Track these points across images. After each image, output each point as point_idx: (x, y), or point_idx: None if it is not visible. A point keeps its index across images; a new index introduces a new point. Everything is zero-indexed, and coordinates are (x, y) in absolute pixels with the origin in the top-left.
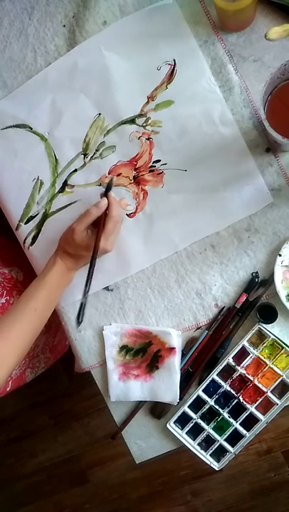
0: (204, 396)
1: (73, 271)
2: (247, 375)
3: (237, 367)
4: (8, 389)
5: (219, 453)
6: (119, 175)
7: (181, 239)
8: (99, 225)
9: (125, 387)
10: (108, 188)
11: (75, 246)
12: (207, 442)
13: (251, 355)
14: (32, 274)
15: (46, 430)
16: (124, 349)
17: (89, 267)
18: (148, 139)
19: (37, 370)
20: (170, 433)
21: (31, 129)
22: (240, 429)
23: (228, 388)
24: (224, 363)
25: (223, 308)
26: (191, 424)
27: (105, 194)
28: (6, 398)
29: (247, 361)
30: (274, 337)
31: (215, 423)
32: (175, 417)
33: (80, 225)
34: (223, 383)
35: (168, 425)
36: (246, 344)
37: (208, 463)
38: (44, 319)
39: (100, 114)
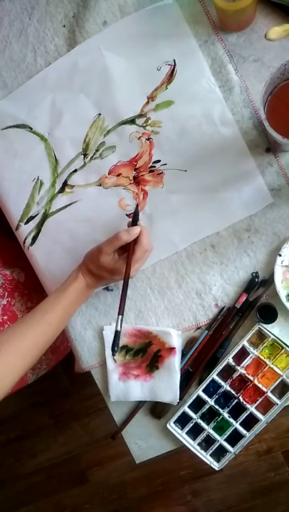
0: (204, 396)
1: (92, 289)
2: (247, 375)
3: (237, 367)
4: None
5: (219, 453)
6: (119, 175)
7: (181, 239)
8: (128, 252)
9: (125, 387)
10: (136, 215)
11: (99, 266)
12: (207, 442)
13: (251, 355)
14: (34, 275)
15: (46, 430)
16: (124, 349)
17: (121, 296)
18: (148, 139)
19: (38, 371)
20: (170, 433)
21: (31, 129)
22: (240, 429)
23: (228, 388)
24: (224, 363)
25: (223, 308)
26: (191, 424)
27: (135, 222)
28: (6, 398)
29: (247, 361)
30: (274, 337)
31: (215, 423)
32: (175, 417)
33: (108, 247)
34: (223, 383)
35: (168, 425)
36: (246, 344)
37: (208, 463)
38: (57, 333)
39: (99, 114)
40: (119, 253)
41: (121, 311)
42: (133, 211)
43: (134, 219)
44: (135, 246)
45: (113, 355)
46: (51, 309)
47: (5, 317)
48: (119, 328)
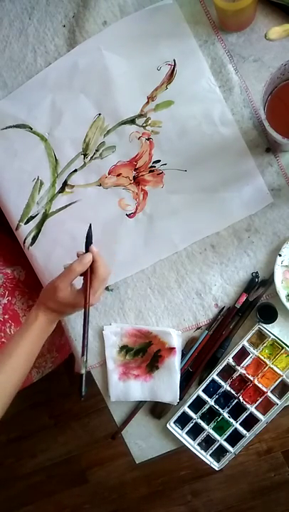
0: (204, 396)
1: (54, 322)
2: (247, 375)
3: (237, 367)
4: None
5: (219, 453)
6: (119, 175)
7: (181, 239)
8: (85, 283)
9: (125, 387)
10: (88, 239)
11: (58, 303)
12: (207, 442)
13: (251, 355)
14: (34, 273)
15: (46, 430)
16: (124, 349)
17: (82, 333)
18: (148, 139)
19: (44, 369)
20: (170, 433)
21: (31, 129)
22: (240, 429)
23: (228, 388)
24: (224, 363)
25: (223, 308)
26: (191, 424)
27: (87, 247)
28: None
29: (247, 361)
30: (274, 337)
31: (215, 423)
32: (175, 417)
33: (63, 282)
34: (223, 383)
35: (168, 425)
36: (246, 344)
37: (208, 463)
38: (24, 373)
39: (99, 114)
40: (75, 285)
41: (84, 351)
42: (86, 233)
43: (86, 244)
44: (92, 276)
45: (80, 399)
46: (13, 353)
47: (6, 316)
48: (83, 370)
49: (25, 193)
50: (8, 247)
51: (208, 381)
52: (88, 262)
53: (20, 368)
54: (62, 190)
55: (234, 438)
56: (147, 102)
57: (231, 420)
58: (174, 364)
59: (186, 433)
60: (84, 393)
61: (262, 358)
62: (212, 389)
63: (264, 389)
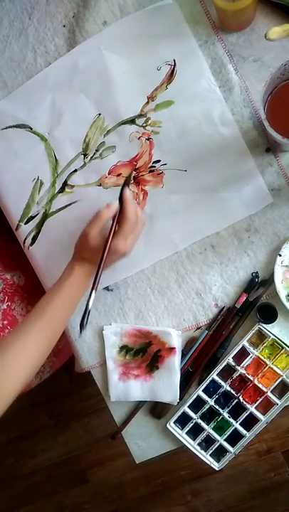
0: (204, 396)
1: (91, 275)
2: (247, 375)
3: (237, 367)
4: None
5: (219, 453)
6: (119, 175)
7: (181, 239)
8: (110, 227)
9: (125, 387)
10: (123, 186)
11: (90, 251)
12: (207, 442)
13: (251, 355)
14: (33, 278)
15: (46, 430)
16: (124, 349)
17: (97, 269)
18: (148, 139)
19: (42, 374)
20: (170, 433)
21: (31, 129)
22: (240, 429)
23: (228, 388)
24: (224, 363)
25: (223, 308)
26: (191, 424)
27: (121, 190)
28: None
29: (247, 361)
30: (274, 337)
31: (215, 423)
32: (175, 417)
33: (92, 229)
34: (223, 383)
35: (168, 425)
36: (246, 344)
37: (208, 463)
38: (61, 327)
39: (99, 114)
40: (107, 232)
41: (94, 287)
42: (124, 182)
43: (120, 191)
44: (121, 219)
45: (80, 331)
46: (50, 305)
47: (5, 322)
48: (90, 305)
49: (25, 193)
50: (8, 253)
51: (208, 381)
52: (115, 208)
53: (59, 318)
54: (62, 190)
55: (234, 438)
56: (147, 102)
57: (231, 420)
58: (174, 364)
59: (186, 433)
60: (85, 325)
61: (262, 358)
62: (212, 389)
63: (264, 389)
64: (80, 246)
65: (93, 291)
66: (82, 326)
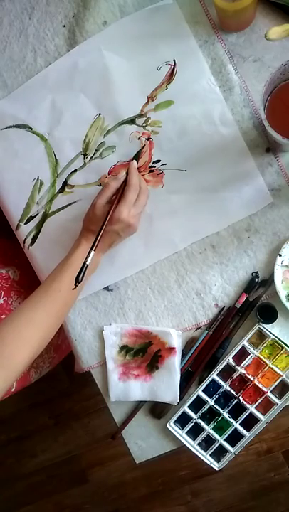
0: (204, 396)
1: (100, 252)
2: (247, 375)
3: (237, 367)
4: (12, 389)
5: (219, 453)
6: None
7: (181, 239)
8: (116, 193)
9: (125, 387)
10: (137, 154)
11: (97, 221)
12: (207, 442)
13: (251, 355)
14: (29, 274)
15: (46, 430)
16: (124, 349)
17: (98, 230)
18: (148, 139)
19: (42, 369)
20: (170, 433)
21: (31, 129)
22: (240, 429)
23: (228, 388)
24: (224, 363)
25: (223, 308)
26: (191, 424)
27: (133, 159)
28: (6, 398)
29: (247, 361)
30: (274, 337)
31: (215, 423)
32: (175, 417)
33: (100, 199)
34: (223, 383)
35: (168, 425)
36: (246, 344)
37: (208, 463)
38: (69, 302)
39: (99, 114)
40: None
41: (94, 247)
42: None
43: (133, 157)
44: (125, 188)
45: (75, 285)
46: (58, 278)
47: (3, 316)
48: (88, 261)
49: (25, 193)
50: (2, 249)
51: (208, 381)
52: (122, 177)
53: (65, 291)
54: (62, 190)
55: (234, 438)
56: (147, 102)
57: (231, 420)
58: (174, 364)
59: (186, 433)
60: (80, 280)
61: (262, 358)
62: (212, 389)
63: (264, 389)
64: (87, 218)
65: (92, 251)
66: (77, 280)
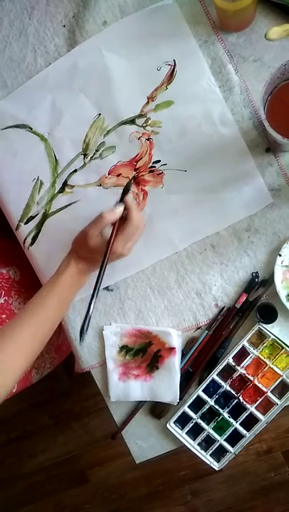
0: (204, 396)
1: (86, 274)
2: (247, 375)
3: (237, 367)
4: (14, 390)
5: (219, 453)
6: (119, 175)
7: (181, 239)
8: (112, 231)
9: (125, 387)
10: (125, 191)
11: (88, 250)
12: (207, 442)
13: (251, 355)
14: (29, 274)
15: (46, 430)
16: (124, 349)
17: (98, 275)
18: (148, 139)
19: (43, 370)
20: (170, 433)
21: (31, 129)
22: (240, 429)
23: (228, 388)
24: (224, 363)
25: (223, 308)
26: (191, 424)
27: (122, 198)
28: (7, 398)
29: (247, 361)
30: (274, 337)
31: (215, 423)
32: (175, 417)
33: (93, 229)
34: (223, 383)
35: (168, 425)
36: (246, 344)
37: (208, 463)
38: (55, 323)
39: (99, 114)
40: (107, 233)
41: (95, 294)
42: (126, 184)
43: (122, 195)
44: (125, 222)
45: (80, 338)
46: (46, 299)
47: (3, 316)
48: (91, 311)
49: (25, 193)
50: (3, 249)
51: (208, 381)
52: (119, 212)
53: (51, 315)
54: (62, 190)
55: (234, 438)
56: (147, 102)
57: (231, 420)
58: (174, 364)
59: (186, 433)
60: (85, 332)
61: (262, 358)
62: (212, 389)
63: (264, 389)
64: (78, 244)
65: (94, 299)
66: (82, 332)
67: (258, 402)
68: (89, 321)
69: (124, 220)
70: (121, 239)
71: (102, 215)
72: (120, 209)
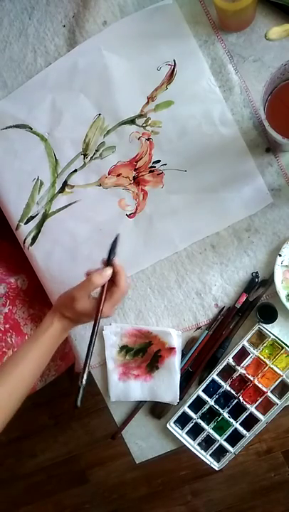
0: (204, 396)
1: (69, 329)
2: (247, 375)
3: (237, 367)
4: None
5: (219, 453)
6: (119, 175)
7: (181, 239)
8: (100, 295)
9: (125, 387)
10: (112, 253)
11: (74, 312)
12: (207, 442)
13: (251, 355)
14: (37, 281)
15: (46, 430)
16: (124, 349)
17: (88, 345)
18: (148, 139)
19: (47, 377)
20: (170, 433)
21: (31, 129)
22: (240, 429)
23: (228, 388)
24: (224, 363)
25: (223, 308)
26: (191, 424)
27: (108, 260)
28: None
29: (247, 361)
30: (274, 337)
31: (215, 423)
32: (175, 417)
33: (80, 293)
34: (223, 383)
35: (168, 425)
36: (246, 344)
37: (208, 463)
38: (31, 383)
39: (99, 114)
40: (93, 296)
41: (87, 364)
42: (111, 243)
43: (109, 256)
44: (113, 288)
45: (75, 408)
46: (22, 361)
47: (7, 325)
48: (83, 383)
49: (25, 193)
50: (12, 256)
51: (208, 381)
52: (108, 276)
53: (28, 376)
54: (62, 190)
55: (234, 438)
56: (147, 102)
57: (231, 420)
58: (174, 364)
59: (186, 433)
60: (79, 405)
61: (262, 358)
62: (212, 389)
63: (264, 389)
64: (63, 305)
65: (86, 371)
66: (76, 405)
67: (258, 402)
68: (82, 396)
69: (111, 283)
70: (109, 302)
71: (91, 279)
72: (109, 272)
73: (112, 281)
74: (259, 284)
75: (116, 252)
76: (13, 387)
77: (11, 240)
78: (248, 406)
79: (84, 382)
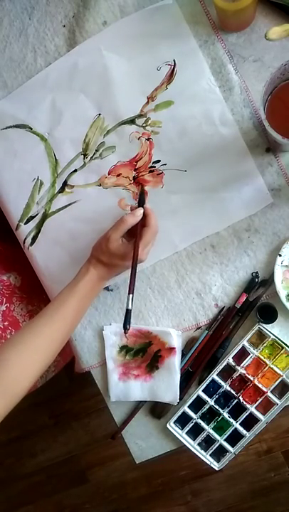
0: (204, 396)
1: (105, 280)
2: (247, 375)
3: (237, 367)
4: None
5: (219, 453)
6: (119, 175)
7: (181, 239)
8: (136, 234)
9: (125, 387)
10: (142, 199)
11: (109, 255)
12: (207, 442)
13: (251, 355)
14: (30, 279)
15: (46, 430)
16: (124, 349)
17: (130, 274)
18: (148, 139)
19: (47, 374)
20: (170, 433)
21: (31, 129)
22: (240, 429)
23: (228, 388)
24: (224, 363)
25: (223, 308)
26: (191, 424)
27: (140, 203)
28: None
29: (247, 361)
30: (274, 337)
31: (215, 423)
32: (175, 417)
33: (115, 233)
34: (223, 383)
35: (168, 425)
36: (246, 344)
37: (208, 463)
38: (72, 327)
39: (99, 114)
40: (126, 238)
41: (131, 290)
42: (139, 193)
43: (140, 201)
44: (144, 228)
45: (125, 332)
46: (64, 304)
47: (6, 323)
48: (130, 306)
49: (25, 193)
50: (3, 254)
51: (208, 381)
52: (140, 215)
53: (70, 319)
54: (62, 190)
55: (234, 438)
56: (147, 102)
57: (231, 420)
58: (174, 364)
59: (186, 433)
60: (128, 328)
61: (262, 358)
62: (212, 389)
63: (264, 389)
64: (99, 249)
65: (131, 294)
66: (125, 327)
67: (258, 402)
68: (130, 317)
69: (141, 225)
70: (141, 244)
71: (123, 218)
72: (140, 212)
73: (143, 224)
74: (259, 284)
75: (144, 200)
76: (55, 330)
77: (1, 239)
78: (248, 406)
79: (130, 305)
